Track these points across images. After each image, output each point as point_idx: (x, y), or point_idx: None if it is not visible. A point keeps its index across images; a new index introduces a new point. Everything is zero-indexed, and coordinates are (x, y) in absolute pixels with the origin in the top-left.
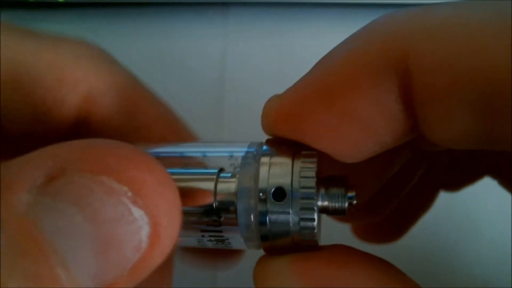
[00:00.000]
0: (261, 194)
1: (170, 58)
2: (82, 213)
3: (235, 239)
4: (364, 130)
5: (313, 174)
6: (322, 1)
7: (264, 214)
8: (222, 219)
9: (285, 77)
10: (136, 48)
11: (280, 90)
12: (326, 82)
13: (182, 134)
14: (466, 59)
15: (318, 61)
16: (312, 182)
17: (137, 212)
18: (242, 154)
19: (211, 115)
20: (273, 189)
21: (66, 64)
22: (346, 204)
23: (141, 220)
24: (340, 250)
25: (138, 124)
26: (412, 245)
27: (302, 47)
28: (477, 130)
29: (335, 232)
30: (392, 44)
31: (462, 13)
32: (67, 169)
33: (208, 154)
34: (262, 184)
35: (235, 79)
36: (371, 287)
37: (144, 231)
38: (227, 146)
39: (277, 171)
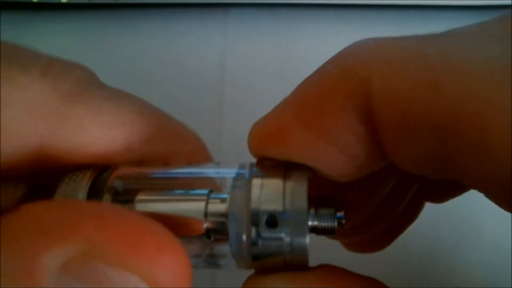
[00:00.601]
0: (252, 220)
1: (171, 59)
2: None
3: (226, 260)
4: (340, 150)
5: (304, 200)
6: (322, 2)
7: (256, 238)
8: (212, 240)
9: (285, 78)
10: (137, 49)
11: (280, 91)
12: (303, 105)
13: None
14: (418, 92)
15: (298, 85)
16: (304, 208)
17: None
18: (232, 175)
19: (211, 115)
20: (265, 216)
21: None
22: (336, 224)
23: None
24: (329, 270)
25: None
26: (412, 246)
27: (302, 47)
28: (429, 161)
29: (320, 240)
30: (356, 71)
31: (421, 47)
32: (89, 255)
33: (195, 175)
34: (254, 209)
35: (235, 79)
36: None
37: None
38: (216, 167)
39: (268, 195)
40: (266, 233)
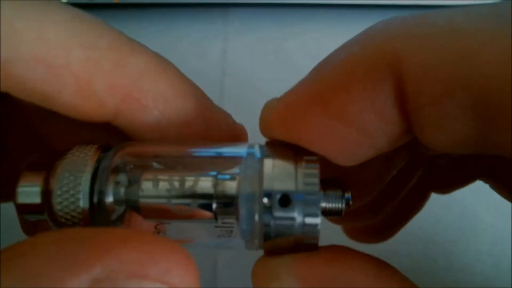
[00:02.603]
0: (265, 199)
1: (171, 59)
2: None
3: (235, 240)
4: (359, 133)
5: (317, 180)
6: (322, 2)
7: (269, 218)
8: (222, 221)
9: (284, 78)
10: None
11: (280, 90)
12: (322, 86)
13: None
14: (457, 66)
15: (315, 66)
16: (317, 188)
17: None
18: (241, 154)
19: None
20: (278, 195)
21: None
22: (343, 206)
23: None
24: (339, 250)
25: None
26: (412, 243)
27: (301, 47)
28: (469, 135)
29: (325, 231)
30: (387, 50)
31: (454, 21)
32: (113, 275)
33: (202, 153)
34: (267, 189)
35: (235, 79)
36: (371, 287)
37: None
38: (224, 146)
39: (281, 175)
40: (279, 212)
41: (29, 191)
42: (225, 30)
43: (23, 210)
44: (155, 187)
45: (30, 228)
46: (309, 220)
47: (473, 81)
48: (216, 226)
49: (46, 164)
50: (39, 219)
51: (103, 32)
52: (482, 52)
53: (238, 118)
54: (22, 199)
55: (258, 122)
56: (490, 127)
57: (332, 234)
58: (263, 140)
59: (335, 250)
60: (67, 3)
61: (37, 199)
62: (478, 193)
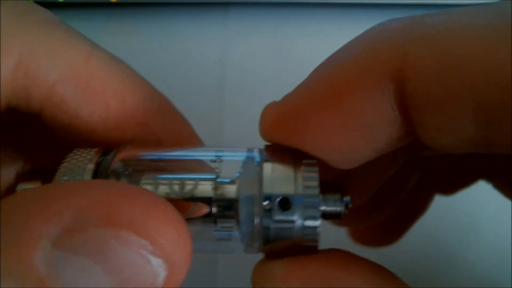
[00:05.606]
0: (265, 203)
1: (170, 58)
2: (101, 266)
3: (234, 244)
4: (360, 138)
5: (316, 183)
6: (322, 1)
7: (269, 221)
8: (222, 225)
9: (285, 77)
10: (136, 48)
11: (280, 90)
12: (322, 91)
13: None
14: (463, 68)
15: (316, 68)
16: (316, 191)
17: (155, 261)
18: (241, 158)
19: (211, 115)
20: (278, 199)
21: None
22: (342, 209)
23: (158, 268)
24: (337, 254)
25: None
26: (412, 246)
27: (302, 47)
28: (475, 135)
29: (331, 236)
30: (389, 52)
31: (458, 22)
32: (85, 223)
33: (202, 157)
34: (267, 193)
35: (235, 79)
36: None
37: (161, 276)
38: (223, 150)
39: (280, 179)
40: (279, 215)
41: None
42: (226, 29)
43: None
44: (154, 191)
45: None
46: (308, 223)
47: (479, 81)
48: (216, 230)
49: (45, 170)
50: None
51: (132, 73)
52: (488, 53)
53: (238, 119)
54: None
55: (258, 123)
56: (492, 128)
57: (335, 239)
58: (262, 141)
59: (333, 254)
60: (64, 2)
61: None
62: (480, 193)
